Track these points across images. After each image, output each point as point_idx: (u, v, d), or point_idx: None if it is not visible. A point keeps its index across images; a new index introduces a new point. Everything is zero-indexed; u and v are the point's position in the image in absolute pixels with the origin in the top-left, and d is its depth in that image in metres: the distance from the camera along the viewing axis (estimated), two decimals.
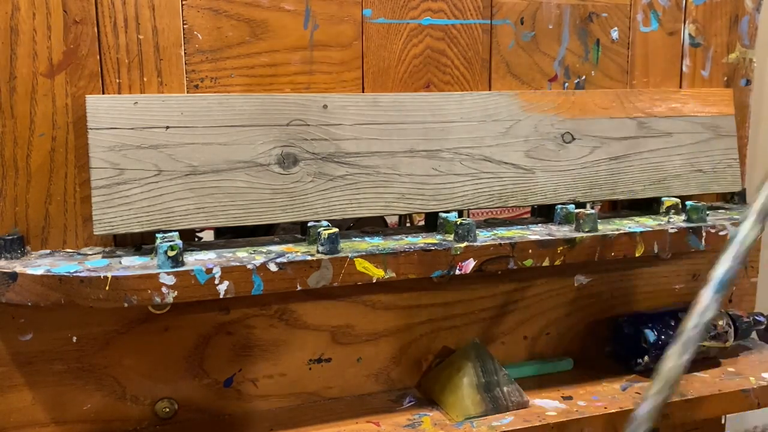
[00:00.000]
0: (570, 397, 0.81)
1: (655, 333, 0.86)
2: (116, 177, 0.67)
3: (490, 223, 0.85)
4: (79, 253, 0.70)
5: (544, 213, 0.88)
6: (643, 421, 0.56)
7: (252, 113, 0.72)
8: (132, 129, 0.68)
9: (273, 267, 0.66)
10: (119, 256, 0.68)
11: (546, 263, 0.76)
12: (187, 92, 0.72)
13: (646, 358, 0.86)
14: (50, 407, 0.72)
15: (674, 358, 0.56)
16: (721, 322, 0.88)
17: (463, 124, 0.80)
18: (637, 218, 0.87)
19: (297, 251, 0.70)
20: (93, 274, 0.62)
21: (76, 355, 0.72)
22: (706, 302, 0.55)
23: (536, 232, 0.79)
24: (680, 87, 0.94)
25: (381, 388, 0.83)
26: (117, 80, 0.70)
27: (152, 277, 0.63)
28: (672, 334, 0.87)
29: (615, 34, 0.89)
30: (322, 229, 0.70)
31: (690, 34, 0.93)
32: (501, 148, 0.81)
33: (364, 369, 0.82)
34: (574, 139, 0.85)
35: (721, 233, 0.84)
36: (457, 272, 0.73)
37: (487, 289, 0.85)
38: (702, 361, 0.90)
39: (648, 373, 0.88)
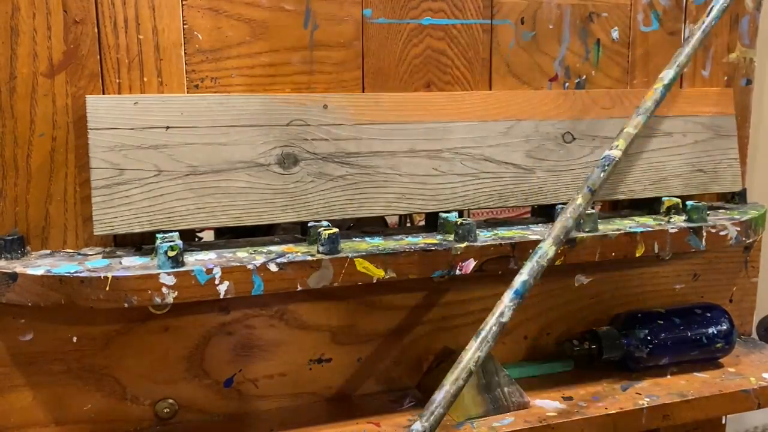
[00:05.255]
0: (570, 398, 0.81)
1: (648, 332, 0.86)
2: (116, 177, 0.67)
3: (490, 223, 0.85)
4: (79, 254, 0.70)
5: (545, 213, 0.88)
6: (439, 405, 0.61)
7: (252, 113, 0.72)
8: (132, 129, 0.68)
9: (273, 267, 0.66)
10: (119, 257, 0.68)
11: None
12: (187, 92, 0.72)
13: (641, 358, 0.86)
14: (50, 407, 0.72)
15: (472, 351, 0.62)
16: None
17: (463, 123, 0.80)
18: (637, 218, 0.87)
19: (297, 251, 0.70)
20: (93, 274, 0.62)
21: (76, 355, 0.72)
22: (502, 307, 0.63)
23: (537, 232, 0.79)
24: (681, 87, 0.94)
25: (381, 388, 0.83)
26: (117, 80, 0.70)
27: (152, 278, 0.63)
28: (666, 333, 0.87)
29: (615, 34, 0.89)
30: (322, 229, 0.70)
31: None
32: (501, 148, 0.81)
33: (364, 369, 0.82)
34: (574, 138, 0.85)
35: (721, 233, 0.84)
36: (458, 272, 0.73)
37: (487, 289, 0.85)
38: (702, 361, 0.90)
39: (647, 372, 0.88)
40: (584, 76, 0.89)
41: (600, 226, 0.80)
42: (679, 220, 0.85)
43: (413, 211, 0.79)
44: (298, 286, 0.68)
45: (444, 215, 0.79)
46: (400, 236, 0.77)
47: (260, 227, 0.84)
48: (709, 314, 0.89)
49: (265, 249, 0.72)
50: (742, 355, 0.94)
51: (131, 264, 0.66)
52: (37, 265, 0.64)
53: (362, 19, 0.77)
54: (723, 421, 0.97)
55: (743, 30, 0.95)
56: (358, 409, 0.79)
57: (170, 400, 0.75)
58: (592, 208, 0.87)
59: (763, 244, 1.04)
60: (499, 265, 0.75)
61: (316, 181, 0.74)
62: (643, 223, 0.84)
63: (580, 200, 0.68)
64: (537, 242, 0.75)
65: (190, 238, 0.76)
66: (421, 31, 0.80)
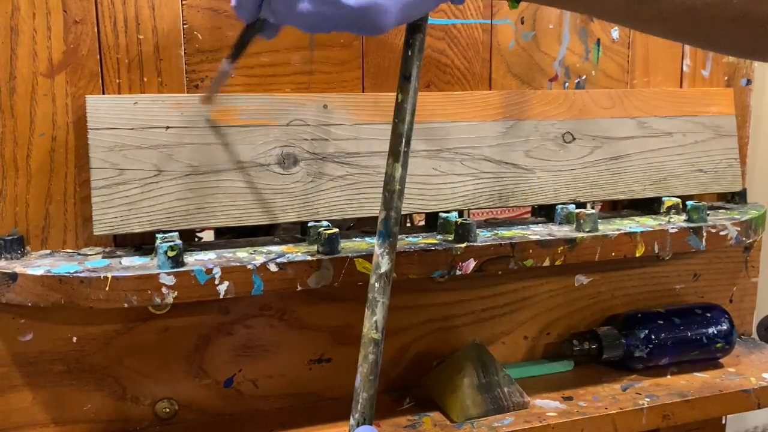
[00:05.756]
0: (570, 398, 0.81)
1: (648, 332, 0.86)
2: (116, 177, 0.67)
3: (490, 223, 0.85)
4: (79, 254, 0.70)
5: (545, 213, 0.88)
6: (362, 390, 0.57)
7: (252, 113, 0.72)
8: (132, 129, 0.68)
9: (273, 267, 0.66)
10: (119, 257, 0.68)
11: (546, 263, 0.76)
12: (187, 92, 0.72)
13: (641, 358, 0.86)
14: (50, 408, 0.72)
15: (366, 319, 0.57)
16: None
17: (463, 123, 0.80)
18: (637, 218, 0.87)
19: (297, 251, 0.70)
20: (93, 274, 0.62)
21: (76, 356, 0.72)
22: (376, 258, 0.57)
23: (537, 232, 0.79)
24: (681, 86, 0.94)
25: (381, 388, 0.83)
26: (117, 80, 0.70)
27: (152, 278, 0.63)
28: (666, 333, 0.87)
29: (615, 34, 0.89)
30: (322, 229, 0.70)
31: None
32: (501, 148, 0.81)
33: None
34: (574, 138, 0.85)
35: (721, 233, 0.84)
36: (458, 272, 0.73)
37: (487, 289, 0.85)
38: (702, 361, 0.90)
39: (647, 372, 0.88)
40: (584, 76, 0.89)
41: (600, 226, 0.80)
42: (679, 220, 0.85)
43: (413, 211, 0.79)
44: (298, 286, 0.68)
45: (444, 215, 0.79)
46: (400, 236, 0.77)
47: (260, 227, 0.84)
48: (709, 314, 0.89)
49: (265, 249, 0.72)
50: (742, 355, 0.94)
51: (131, 264, 0.66)
52: (36, 265, 0.64)
53: None
54: (723, 421, 0.97)
55: None
56: None
57: (170, 400, 0.75)
58: (592, 207, 0.87)
59: (763, 244, 1.04)
60: (499, 265, 0.75)
61: (316, 181, 0.74)
62: (644, 223, 0.84)
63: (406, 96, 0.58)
64: (537, 242, 0.76)
65: (190, 238, 0.76)
66: None
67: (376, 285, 0.57)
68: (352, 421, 0.56)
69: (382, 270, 0.57)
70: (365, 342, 0.57)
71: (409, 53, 0.57)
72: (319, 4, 0.50)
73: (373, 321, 0.57)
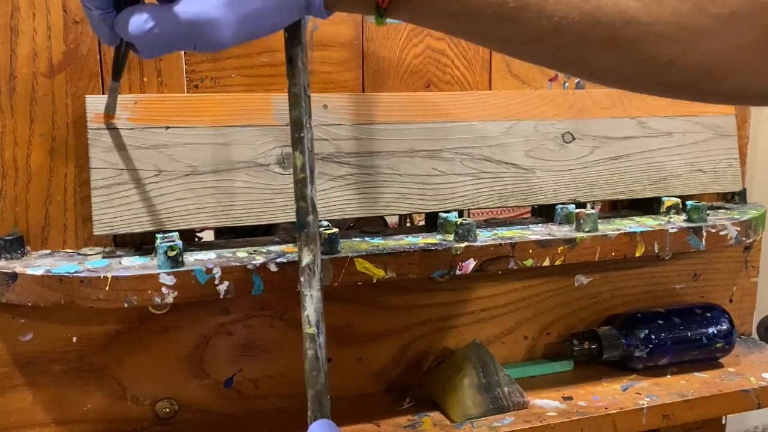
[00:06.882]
0: (570, 398, 0.81)
1: (648, 333, 0.86)
2: (116, 177, 0.67)
3: (490, 223, 0.85)
4: (79, 254, 0.70)
5: (545, 213, 0.88)
6: (309, 386, 0.56)
7: (252, 113, 0.72)
8: (132, 129, 0.68)
9: (273, 267, 0.66)
10: (119, 257, 0.68)
11: (546, 263, 0.76)
12: (187, 92, 0.72)
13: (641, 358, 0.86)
14: (50, 407, 0.72)
15: (302, 316, 0.57)
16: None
17: (463, 123, 0.80)
18: (637, 218, 0.87)
19: (297, 251, 0.70)
20: (93, 274, 0.62)
21: (76, 355, 0.72)
22: (299, 252, 0.56)
23: (537, 232, 0.79)
24: None
25: (381, 388, 0.83)
26: None
27: (152, 278, 0.63)
28: (666, 333, 0.87)
29: None
30: (322, 229, 0.70)
31: None
32: (501, 148, 0.81)
33: (364, 369, 0.82)
34: (574, 138, 0.85)
35: (721, 233, 0.84)
36: (458, 272, 0.73)
37: (487, 289, 0.85)
38: (702, 361, 0.90)
39: (647, 372, 0.88)
40: None
41: (600, 226, 0.80)
42: (679, 220, 0.85)
43: (413, 211, 0.79)
44: (298, 286, 0.68)
45: (444, 215, 0.79)
46: (400, 236, 0.77)
47: (260, 227, 0.84)
48: (709, 314, 0.89)
49: (265, 249, 0.72)
50: (742, 355, 0.94)
51: (131, 264, 0.66)
52: (36, 265, 0.64)
53: (362, 19, 0.77)
54: (723, 421, 0.97)
55: None
56: (358, 409, 0.79)
57: (170, 400, 0.75)
58: (592, 207, 0.87)
59: (763, 244, 1.04)
60: (499, 265, 0.75)
61: (315, 181, 0.74)
62: (643, 223, 0.84)
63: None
64: (537, 242, 0.76)
65: (190, 238, 0.76)
66: (421, 31, 0.80)
67: (301, 279, 0.56)
68: (308, 420, 0.56)
69: (303, 263, 0.56)
70: (303, 338, 0.56)
71: (287, 35, 0.55)
72: (152, 24, 0.49)
73: (305, 316, 0.56)
